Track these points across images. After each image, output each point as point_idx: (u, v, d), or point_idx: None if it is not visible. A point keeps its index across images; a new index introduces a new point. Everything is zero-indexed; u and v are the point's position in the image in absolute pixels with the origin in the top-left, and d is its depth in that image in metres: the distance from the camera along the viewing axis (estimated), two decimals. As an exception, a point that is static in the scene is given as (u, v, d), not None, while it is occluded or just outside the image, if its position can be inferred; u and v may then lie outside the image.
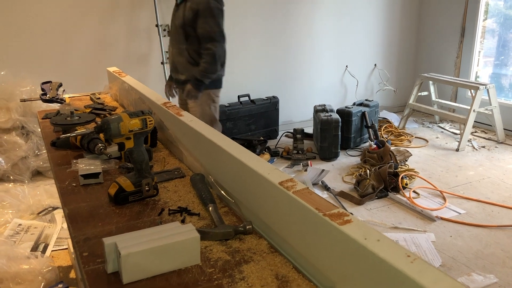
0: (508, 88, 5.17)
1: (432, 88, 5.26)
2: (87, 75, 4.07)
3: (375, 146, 4.02)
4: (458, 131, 4.98)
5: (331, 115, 4.20)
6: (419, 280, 0.66)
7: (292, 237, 0.97)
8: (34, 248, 2.73)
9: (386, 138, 4.73)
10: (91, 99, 2.44)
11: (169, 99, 2.67)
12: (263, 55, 4.78)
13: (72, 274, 2.54)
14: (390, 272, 0.71)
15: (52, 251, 2.75)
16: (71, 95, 2.57)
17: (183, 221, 1.16)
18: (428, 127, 5.28)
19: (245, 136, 4.57)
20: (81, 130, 1.38)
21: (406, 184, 3.57)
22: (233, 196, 1.23)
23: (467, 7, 5.19)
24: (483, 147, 4.57)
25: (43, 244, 2.79)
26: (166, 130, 1.67)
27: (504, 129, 4.73)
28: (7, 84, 3.75)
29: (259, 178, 1.05)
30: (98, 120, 1.92)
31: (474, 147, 4.54)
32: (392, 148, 4.01)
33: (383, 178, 3.45)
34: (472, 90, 4.62)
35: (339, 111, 4.44)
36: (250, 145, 4.20)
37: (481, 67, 5.38)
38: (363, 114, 4.49)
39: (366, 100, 4.80)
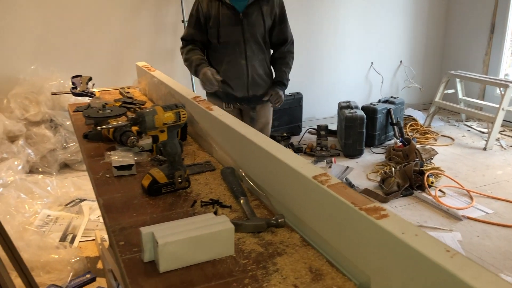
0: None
1: (459, 86, 5.17)
2: (114, 70, 4.14)
3: (400, 143, 3.97)
4: (485, 130, 4.89)
5: (356, 112, 4.17)
6: (460, 275, 0.66)
7: (325, 230, 0.97)
8: (63, 239, 2.80)
9: (411, 136, 4.68)
10: (120, 93, 2.47)
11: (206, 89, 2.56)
12: (287, 51, 4.76)
13: (99, 265, 2.59)
14: (429, 267, 0.70)
15: (79, 242, 2.81)
16: (100, 89, 2.61)
17: (215, 213, 1.18)
18: (454, 125, 5.19)
19: (268, 132, 4.57)
20: (114, 123, 1.40)
21: (432, 183, 3.52)
22: (264, 189, 1.24)
23: (498, 3, 5.08)
24: (512, 146, 4.49)
25: (71, 235, 2.85)
26: (196, 124, 1.69)
27: (533, 128, 4.63)
28: (37, 78, 3.83)
29: (292, 172, 1.06)
30: (129, 114, 1.95)
31: (502, 146, 4.46)
32: (417, 146, 3.97)
33: (409, 176, 3.42)
34: (502, 88, 4.52)
35: (364, 108, 4.41)
36: (273, 141, 4.19)
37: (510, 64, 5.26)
38: (388, 111, 4.45)
39: (391, 97, 4.75)
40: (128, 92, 2.45)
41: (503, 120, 4.60)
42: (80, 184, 3.51)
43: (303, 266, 0.94)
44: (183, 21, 4.20)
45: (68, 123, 3.84)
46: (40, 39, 3.92)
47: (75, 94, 2.32)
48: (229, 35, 2.52)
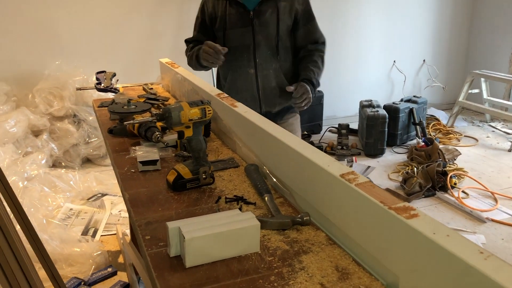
0: None
1: (483, 86, 5.07)
2: (137, 66, 4.17)
3: (423, 143, 3.92)
4: (510, 131, 4.79)
5: (378, 111, 4.13)
6: (495, 278, 0.64)
7: (352, 229, 0.96)
8: (85, 233, 2.84)
9: (434, 136, 4.61)
10: (144, 89, 2.49)
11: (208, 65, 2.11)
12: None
13: (121, 259, 2.62)
14: (462, 268, 0.69)
15: (101, 236, 2.84)
16: (124, 85, 2.64)
17: (240, 210, 1.17)
18: (478, 126, 5.10)
19: (289, 130, 4.55)
20: (139, 118, 1.41)
21: (455, 184, 3.47)
22: (288, 187, 1.23)
23: (525, 1, 4.97)
24: (538, 148, 4.38)
25: (93, 229, 2.89)
26: (220, 121, 1.69)
27: (561, 130, 4.51)
28: (61, 74, 3.89)
29: (318, 170, 1.05)
30: (153, 110, 1.96)
31: (528, 148, 4.36)
32: (440, 146, 3.91)
33: (431, 177, 3.37)
34: (528, 89, 4.42)
35: (386, 107, 4.36)
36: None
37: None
38: (411, 110, 4.39)
39: (414, 96, 4.69)
40: (152, 88, 2.47)
41: (529, 121, 4.51)
42: (102, 178, 3.55)
43: (329, 265, 0.93)
44: (205, 18, 4.21)
45: (91, 118, 3.89)
46: (65, 35, 3.98)
47: (100, 90, 2.34)
48: (237, 38, 2.10)
